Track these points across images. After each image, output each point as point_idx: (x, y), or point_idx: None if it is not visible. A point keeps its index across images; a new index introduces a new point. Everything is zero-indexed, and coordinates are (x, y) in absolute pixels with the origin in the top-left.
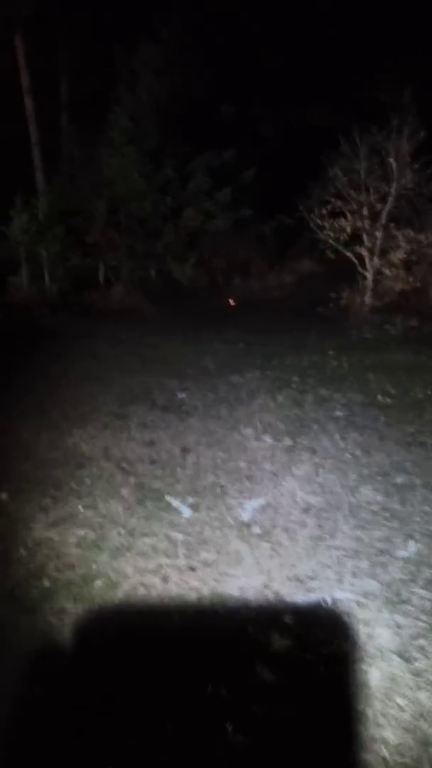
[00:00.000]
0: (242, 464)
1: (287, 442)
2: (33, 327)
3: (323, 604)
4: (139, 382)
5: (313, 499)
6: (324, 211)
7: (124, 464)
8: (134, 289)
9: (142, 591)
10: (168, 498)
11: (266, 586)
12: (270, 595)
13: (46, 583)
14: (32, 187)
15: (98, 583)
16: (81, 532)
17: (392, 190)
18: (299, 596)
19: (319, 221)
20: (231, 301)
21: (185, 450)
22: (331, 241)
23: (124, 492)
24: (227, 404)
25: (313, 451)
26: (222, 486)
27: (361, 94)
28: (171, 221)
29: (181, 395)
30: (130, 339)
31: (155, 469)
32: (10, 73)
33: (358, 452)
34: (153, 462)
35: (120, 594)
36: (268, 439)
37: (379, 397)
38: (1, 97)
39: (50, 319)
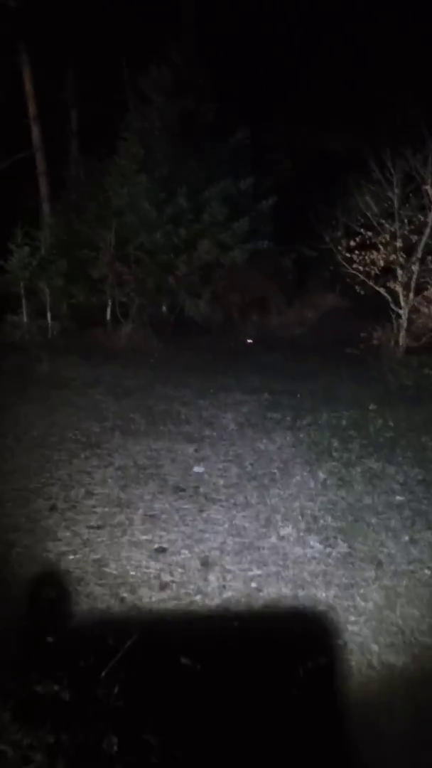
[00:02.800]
0: (286, 590)
1: (341, 547)
2: (26, 372)
3: None
4: (146, 450)
5: (395, 660)
6: (352, 243)
7: (122, 591)
8: (143, 327)
9: None
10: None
11: None
12: None
13: None
14: (37, 218)
15: None
16: None
17: (429, 221)
18: None
19: (346, 254)
20: (248, 340)
21: (206, 564)
22: (360, 275)
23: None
24: (257, 484)
25: (379, 564)
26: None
27: (387, 115)
28: (184, 254)
29: (198, 469)
30: (137, 388)
31: (166, 598)
32: (17, 100)
33: None
34: (163, 587)
35: None
36: (315, 543)
37: None
38: (8, 126)
39: (48, 363)
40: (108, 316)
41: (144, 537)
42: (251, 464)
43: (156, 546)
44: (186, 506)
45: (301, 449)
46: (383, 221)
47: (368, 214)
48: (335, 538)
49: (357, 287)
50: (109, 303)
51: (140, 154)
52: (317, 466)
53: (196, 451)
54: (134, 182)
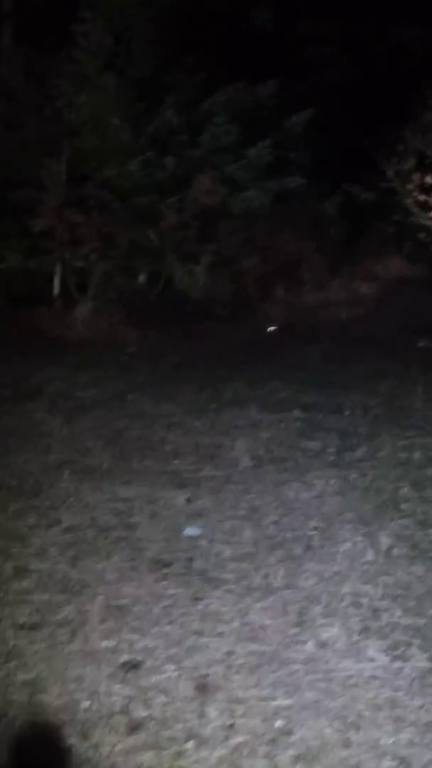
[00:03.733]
0: (329, 731)
1: (418, 660)
2: None
3: None
4: (112, 499)
5: None
6: (429, 179)
7: (67, 736)
8: (111, 307)
9: None
10: None
11: None
12: None
13: None
14: None
15: None
16: None
17: None
18: None
19: (421, 196)
20: (271, 327)
21: (203, 688)
22: None
23: None
24: (283, 555)
25: None
26: None
27: None
28: (173, 195)
29: (192, 531)
30: (99, 402)
31: (138, 747)
32: None
33: None
34: (134, 728)
35: None
36: (377, 654)
37: None
38: None
39: None
40: (56, 290)
41: (105, 643)
42: (274, 523)
43: (124, 659)
44: (172, 591)
45: (351, 499)
46: None
47: None
48: (408, 645)
49: None
50: (58, 270)
51: (107, 43)
52: (377, 527)
53: (188, 501)
54: (98, 86)
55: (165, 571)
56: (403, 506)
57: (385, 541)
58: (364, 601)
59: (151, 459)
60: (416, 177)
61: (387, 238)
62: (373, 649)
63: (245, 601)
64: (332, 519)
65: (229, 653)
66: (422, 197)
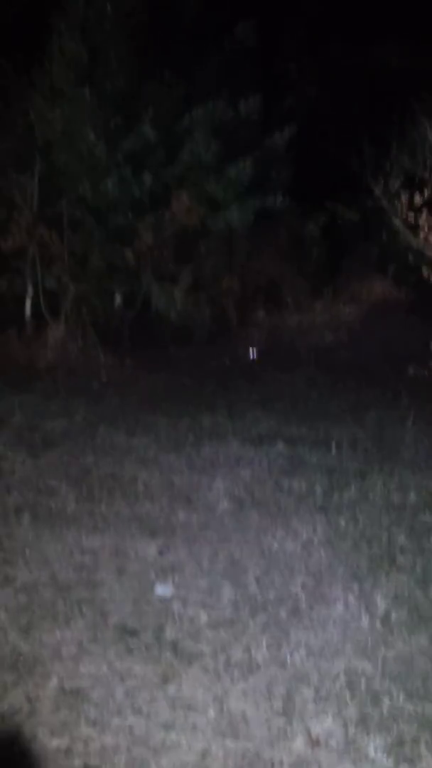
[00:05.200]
0: None
1: (428, 763)
2: None
3: None
4: (74, 550)
5: None
6: (418, 199)
7: None
8: (83, 330)
9: None
10: None
11: None
12: None
13: None
14: None
15: None
16: None
17: None
18: None
19: (407, 215)
20: (251, 352)
21: None
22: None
23: None
24: (267, 620)
25: None
26: None
27: None
28: (150, 214)
29: (163, 591)
30: (67, 434)
31: None
32: None
33: None
34: None
35: None
36: (377, 755)
37: None
38: None
39: None
40: (27, 313)
41: (56, 742)
42: (256, 580)
43: (77, 765)
44: (139, 670)
45: (342, 550)
46: None
47: None
48: (414, 741)
49: (424, 269)
50: (29, 291)
51: (82, 56)
52: (372, 585)
53: (160, 553)
54: (72, 100)
55: (131, 642)
56: (400, 559)
57: (381, 603)
58: (361, 681)
59: (120, 501)
60: (404, 197)
61: (371, 259)
62: (374, 746)
63: (223, 682)
64: (321, 574)
65: (204, 754)
66: (409, 217)
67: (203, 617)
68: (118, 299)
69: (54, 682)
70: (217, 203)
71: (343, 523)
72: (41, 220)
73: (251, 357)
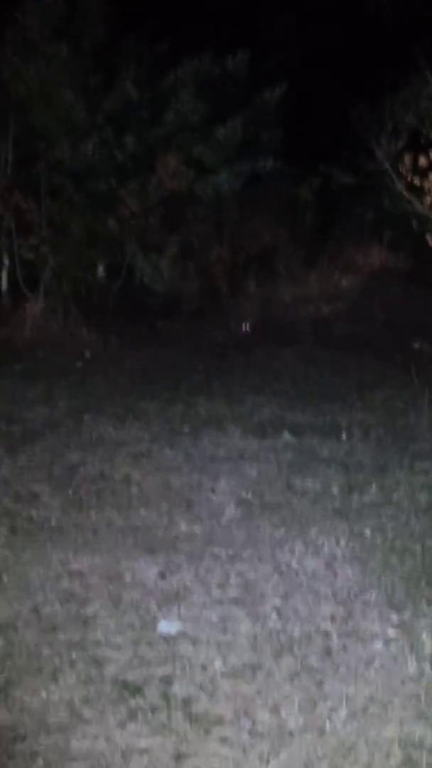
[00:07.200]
0: None
1: None
2: None
3: None
4: (58, 572)
5: None
6: (422, 161)
7: None
8: (64, 304)
9: None
10: None
11: None
12: None
13: None
14: None
15: None
16: None
17: None
18: None
19: (409, 177)
20: (244, 326)
21: None
22: None
23: None
24: (293, 664)
25: None
26: None
27: None
28: (134, 179)
29: (168, 628)
30: (48, 424)
31: None
32: None
33: None
34: None
35: None
36: None
37: None
38: None
39: None
40: (3, 286)
41: None
42: (277, 611)
43: None
44: (144, 744)
45: (371, 568)
46: None
47: None
48: None
49: (429, 237)
50: (5, 263)
51: (58, 7)
52: (411, 612)
53: (162, 576)
54: (48, 55)
55: (134, 702)
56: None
57: (427, 640)
58: (421, 756)
59: (112, 508)
60: (406, 158)
61: (367, 226)
62: None
63: (250, 759)
64: (351, 601)
65: None
66: (412, 179)
67: (218, 663)
68: (100, 270)
69: (40, 765)
70: (204, 167)
71: (368, 532)
72: (17, 186)
73: (244, 331)
